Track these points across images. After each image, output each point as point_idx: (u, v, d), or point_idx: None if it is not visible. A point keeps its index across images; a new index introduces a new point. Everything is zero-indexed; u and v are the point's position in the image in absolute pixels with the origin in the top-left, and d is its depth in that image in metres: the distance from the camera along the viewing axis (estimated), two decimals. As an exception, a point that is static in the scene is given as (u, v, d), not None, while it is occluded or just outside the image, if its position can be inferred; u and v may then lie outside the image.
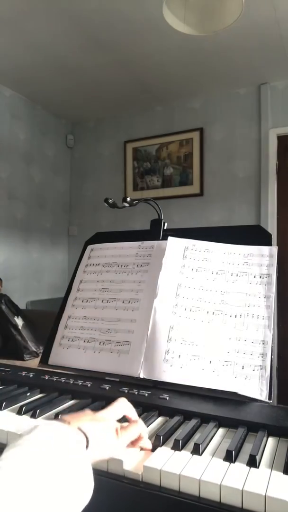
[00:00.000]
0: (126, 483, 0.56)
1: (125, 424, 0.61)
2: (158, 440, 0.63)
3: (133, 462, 0.58)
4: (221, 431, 0.68)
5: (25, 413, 0.75)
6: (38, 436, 0.46)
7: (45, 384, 0.88)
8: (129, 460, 0.58)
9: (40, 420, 0.50)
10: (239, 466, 0.56)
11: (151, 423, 0.71)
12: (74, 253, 3.94)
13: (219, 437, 0.66)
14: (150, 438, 0.65)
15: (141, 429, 0.61)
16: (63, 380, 0.88)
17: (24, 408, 0.75)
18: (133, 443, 0.60)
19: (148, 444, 0.62)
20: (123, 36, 2.58)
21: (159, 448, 0.61)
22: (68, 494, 0.42)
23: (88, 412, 0.58)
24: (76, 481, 0.44)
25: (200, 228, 1.09)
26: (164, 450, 0.61)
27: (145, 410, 0.75)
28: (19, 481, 0.39)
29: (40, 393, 0.87)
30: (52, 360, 0.98)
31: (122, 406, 0.64)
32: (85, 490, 0.45)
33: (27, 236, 3.55)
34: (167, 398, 0.77)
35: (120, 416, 0.62)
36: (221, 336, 0.83)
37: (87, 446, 0.50)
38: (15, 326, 2.42)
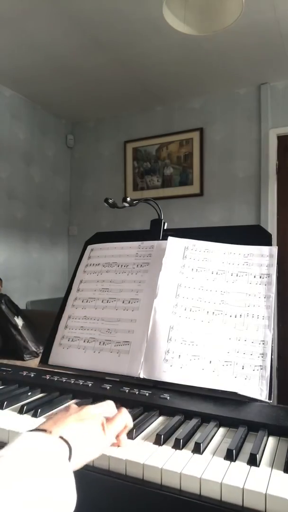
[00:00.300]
0: (127, 482, 0.57)
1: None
2: (159, 439, 0.63)
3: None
4: (221, 430, 0.68)
5: (26, 412, 0.75)
6: (19, 448, 0.45)
7: (46, 383, 0.88)
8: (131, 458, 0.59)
9: (25, 431, 0.49)
10: (240, 465, 0.57)
11: (152, 422, 0.72)
12: (74, 253, 3.94)
13: (219, 436, 0.66)
14: (150, 437, 0.65)
15: (127, 419, 0.62)
16: (63, 380, 0.88)
17: (25, 407, 0.76)
18: (118, 435, 0.60)
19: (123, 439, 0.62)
20: (123, 36, 2.59)
21: (159, 447, 0.62)
22: (48, 505, 0.41)
23: (73, 410, 0.57)
24: (57, 495, 0.42)
25: (200, 228, 1.09)
26: (165, 449, 0.61)
27: (146, 409, 0.75)
28: None
29: (41, 392, 0.88)
30: (52, 360, 0.98)
31: (109, 406, 0.63)
32: (67, 501, 0.44)
33: (27, 236, 3.55)
34: (168, 398, 0.77)
35: (105, 419, 0.60)
36: (221, 336, 0.83)
37: (70, 456, 0.48)
38: (15, 326, 2.43)
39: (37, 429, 0.51)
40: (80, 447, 0.51)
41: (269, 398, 0.74)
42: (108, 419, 0.59)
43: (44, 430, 0.50)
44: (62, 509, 0.42)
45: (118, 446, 0.61)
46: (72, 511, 0.44)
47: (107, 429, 0.57)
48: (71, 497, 0.44)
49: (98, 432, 0.55)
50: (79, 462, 0.50)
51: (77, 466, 0.50)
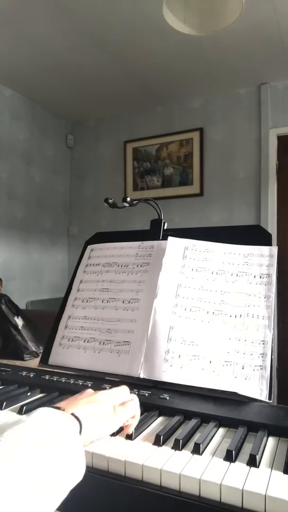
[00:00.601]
0: (126, 483, 0.56)
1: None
2: (158, 440, 0.63)
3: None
4: (221, 431, 0.68)
5: (25, 412, 0.75)
6: (35, 419, 0.49)
7: (46, 384, 0.88)
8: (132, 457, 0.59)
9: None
10: (239, 466, 0.57)
11: (152, 423, 0.71)
12: (74, 253, 3.94)
13: (219, 437, 0.66)
14: (150, 438, 0.65)
15: (136, 408, 0.66)
16: (63, 380, 0.88)
17: (24, 407, 0.75)
18: (124, 426, 0.64)
19: (132, 428, 0.65)
20: (123, 36, 2.59)
21: (158, 448, 0.62)
22: (59, 470, 0.45)
23: (88, 392, 0.62)
24: (68, 460, 0.46)
25: (200, 228, 1.09)
26: (165, 450, 0.61)
27: (146, 410, 0.75)
28: (15, 455, 0.42)
29: (41, 393, 0.87)
30: (52, 360, 0.98)
31: (125, 392, 0.67)
32: (76, 468, 0.47)
33: (27, 236, 3.55)
34: (167, 398, 0.77)
35: (118, 403, 0.64)
36: (221, 336, 0.83)
37: (80, 431, 0.53)
38: (15, 326, 2.42)
39: (51, 407, 0.55)
40: (90, 424, 0.56)
41: (269, 398, 0.74)
42: (120, 404, 0.63)
43: (58, 408, 0.55)
44: (71, 475, 0.46)
45: (126, 433, 0.65)
46: (79, 479, 0.48)
47: (118, 411, 0.61)
48: (80, 467, 0.48)
49: (108, 413, 0.60)
50: (89, 437, 0.56)
51: (87, 442, 0.56)
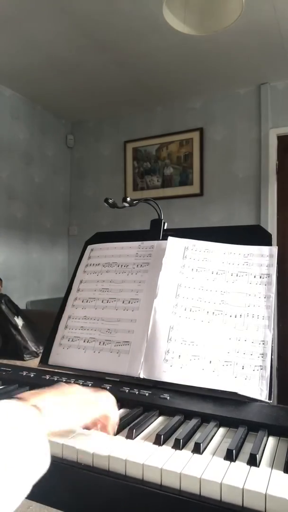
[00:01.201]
0: (127, 482, 0.57)
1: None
2: (159, 439, 0.63)
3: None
4: (221, 430, 0.68)
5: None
6: None
7: (46, 384, 0.88)
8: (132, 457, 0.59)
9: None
10: (240, 465, 0.57)
11: (152, 422, 0.72)
12: (74, 253, 3.94)
13: (219, 436, 0.66)
14: (150, 437, 0.65)
15: (107, 410, 0.64)
16: (63, 380, 0.88)
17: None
18: (95, 424, 0.64)
19: (111, 431, 0.64)
20: (123, 36, 2.59)
21: (159, 447, 0.62)
22: (15, 459, 0.43)
23: (59, 385, 0.62)
24: (24, 450, 0.45)
25: (200, 228, 1.09)
26: (165, 449, 0.61)
27: (146, 409, 0.75)
28: None
29: (41, 392, 0.87)
30: (52, 360, 0.98)
31: (105, 398, 0.66)
32: (37, 458, 0.46)
33: (27, 236, 3.55)
34: (168, 398, 0.77)
35: (91, 400, 0.64)
36: (221, 336, 0.83)
37: (41, 421, 0.51)
38: (15, 326, 2.42)
39: (12, 397, 0.54)
40: (54, 415, 0.54)
41: (269, 398, 0.74)
42: (93, 402, 0.63)
43: (19, 398, 0.53)
44: (31, 465, 0.44)
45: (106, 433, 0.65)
46: (43, 470, 0.46)
47: (87, 406, 0.61)
48: (41, 456, 0.46)
49: (74, 407, 0.59)
50: (52, 428, 0.53)
51: (53, 432, 0.53)
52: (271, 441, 0.65)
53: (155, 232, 1.08)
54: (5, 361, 1.20)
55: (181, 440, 0.62)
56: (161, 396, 0.78)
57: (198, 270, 0.93)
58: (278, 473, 0.55)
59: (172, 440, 0.63)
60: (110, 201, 1.21)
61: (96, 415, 0.63)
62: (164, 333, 0.86)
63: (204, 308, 0.87)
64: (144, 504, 0.56)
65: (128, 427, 0.67)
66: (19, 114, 3.46)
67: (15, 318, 2.48)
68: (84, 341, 0.95)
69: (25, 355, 2.36)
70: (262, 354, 0.79)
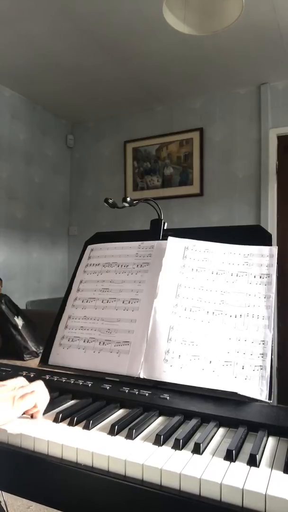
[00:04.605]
0: (126, 482, 0.57)
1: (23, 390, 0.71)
2: (158, 440, 0.63)
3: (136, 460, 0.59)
4: (221, 430, 0.68)
5: (25, 412, 0.75)
6: None
7: (46, 384, 0.88)
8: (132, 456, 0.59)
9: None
10: (240, 465, 0.57)
11: (152, 422, 0.71)
12: (74, 253, 3.94)
13: (219, 436, 0.66)
14: (150, 437, 0.65)
15: (37, 399, 0.71)
16: (63, 380, 0.88)
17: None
18: (27, 412, 0.71)
19: (40, 414, 0.72)
20: (123, 36, 2.59)
21: (159, 448, 0.62)
22: None
23: None
24: None
25: (200, 228, 1.09)
26: (165, 449, 0.61)
27: (146, 409, 0.75)
28: None
29: (41, 393, 0.87)
30: (52, 360, 0.98)
31: (19, 381, 0.75)
32: None
33: (27, 236, 3.55)
34: (168, 398, 0.77)
35: (18, 386, 0.73)
36: (221, 336, 0.83)
37: None
38: (15, 326, 2.42)
39: None
40: None
41: (269, 398, 0.74)
42: (21, 396, 0.69)
43: None
44: None
45: (33, 417, 0.72)
46: None
47: (16, 403, 0.68)
48: None
49: (6, 403, 0.67)
50: None
51: None
52: (271, 441, 0.65)
53: (155, 232, 1.08)
54: (5, 361, 1.20)
55: (181, 440, 0.62)
56: (161, 396, 0.77)
57: (198, 270, 0.93)
58: (278, 474, 0.55)
59: (172, 440, 0.63)
60: (110, 201, 1.21)
61: (26, 408, 0.70)
62: (164, 333, 0.86)
63: (204, 308, 0.87)
64: (144, 504, 0.56)
65: (128, 427, 0.67)
66: (19, 114, 3.46)
67: (15, 318, 2.48)
68: (84, 341, 0.95)
69: (25, 355, 2.36)
70: (262, 354, 0.79)
